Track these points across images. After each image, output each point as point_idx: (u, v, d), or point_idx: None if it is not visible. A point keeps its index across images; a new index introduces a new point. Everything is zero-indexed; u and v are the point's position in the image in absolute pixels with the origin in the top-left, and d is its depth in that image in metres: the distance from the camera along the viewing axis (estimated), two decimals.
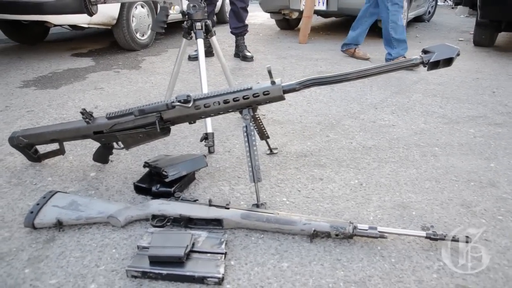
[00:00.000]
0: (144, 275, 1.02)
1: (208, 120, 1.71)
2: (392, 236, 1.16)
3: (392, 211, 1.31)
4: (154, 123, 1.36)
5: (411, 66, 1.26)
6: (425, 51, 1.25)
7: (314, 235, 1.15)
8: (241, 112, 1.33)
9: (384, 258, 1.09)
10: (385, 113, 2.17)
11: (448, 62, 1.22)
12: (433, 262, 1.07)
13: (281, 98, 1.31)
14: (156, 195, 1.37)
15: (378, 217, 1.28)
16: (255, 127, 1.55)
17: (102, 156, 1.59)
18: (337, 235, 1.15)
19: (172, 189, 1.35)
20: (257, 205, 1.31)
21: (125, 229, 1.21)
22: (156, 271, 1.01)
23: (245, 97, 1.31)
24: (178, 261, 1.03)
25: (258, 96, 1.30)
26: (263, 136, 1.62)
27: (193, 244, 1.10)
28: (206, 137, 1.74)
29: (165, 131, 1.42)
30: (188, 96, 1.33)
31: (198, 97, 1.34)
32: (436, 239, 1.12)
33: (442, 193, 1.40)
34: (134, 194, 1.41)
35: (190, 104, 1.32)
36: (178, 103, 1.33)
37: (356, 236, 1.14)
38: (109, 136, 1.46)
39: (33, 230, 1.19)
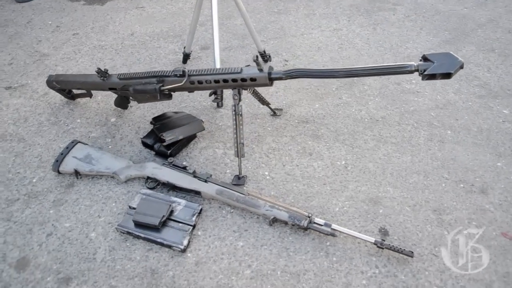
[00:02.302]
0: (129, 233, 1.30)
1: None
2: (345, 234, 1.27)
3: (361, 205, 1.37)
4: (157, 89, 1.49)
5: (405, 73, 1.15)
6: (425, 58, 1.12)
7: (274, 221, 1.31)
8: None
9: (328, 255, 1.23)
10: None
11: (447, 75, 1.09)
12: (369, 268, 1.19)
13: (267, 85, 1.32)
14: (157, 153, 1.58)
15: (344, 209, 1.36)
16: (255, 96, 1.59)
17: (121, 103, 1.78)
18: (293, 225, 1.29)
19: (169, 151, 1.54)
20: (238, 177, 1.47)
21: (126, 184, 1.47)
22: (137, 233, 1.28)
23: (233, 79, 1.34)
24: (154, 227, 1.28)
25: (245, 81, 1.32)
26: (264, 102, 1.65)
27: (172, 211, 1.33)
28: (215, 91, 1.81)
29: (167, 96, 1.53)
30: (183, 71, 1.40)
31: (192, 73, 1.40)
32: (382, 248, 1.21)
33: (423, 193, 1.40)
34: (142, 146, 1.63)
35: (184, 79, 1.40)
36: (174, 77, 1.42)
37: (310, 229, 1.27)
38: (122, 91, 1.63)
39: (58, 174, 1.51)
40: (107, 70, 1.59)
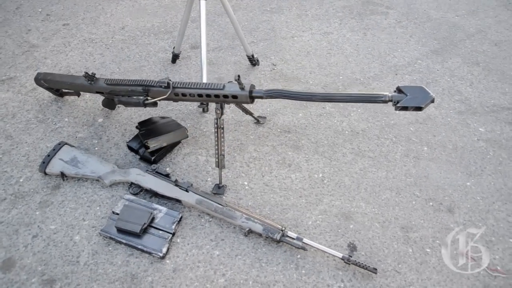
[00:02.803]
0: (111, 239, 1.36)
1: (204, 79, 1.79)
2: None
3: (333, 219, 1.44)
4: (142, 97, 1.52)
5: (379, 102, 1.20)
6: (399, 90, 1.17)
7: (249, 232, 1.38)
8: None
9: (297, 267, 1.31)
10: (401, 84, 2.01)
11: (418, 108, 1.15)
12: (335, 282, 1.27)
13: (248, 102, 1.36)
14: (141, 158, 1.63)
15: (317, 222, 1.43)
16: (238, 107, 1.63)
17: (109, 104, 1.80)
18: (267, 237, 1.36)
19: (153, 158, 1.59)
20: (218, 187, 1.53)
21: (111, 188, 1.52)
22: (119, 239, 1.34)
23: (216, 95, 1.38)
24: (136, 234, 1.35)
25: (227, 97, 1.36)
26: (247, 112, 1.69)
27: (153, 219, 1.39)
28: None
29: (152, 104, 1.57)
30: (168, 83, 1.43)
31: (177, 85, 1.44)
32: (349, 263, 1.29)
33: (393, 210, 1.48)
34: (127, 150, 1.67)
35: (169, 91, 1.43)
36: (159, 88, 1.45)
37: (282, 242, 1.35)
38: (109, 95, 1.66)
39: (45, 175, 1.56)
40: (94, 74, 1.61)
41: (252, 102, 1.37)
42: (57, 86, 1.78)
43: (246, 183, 1.56)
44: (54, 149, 1.58)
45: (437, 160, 1.66)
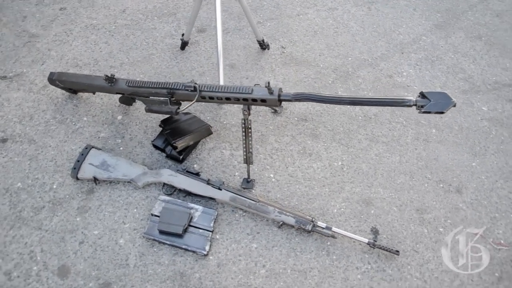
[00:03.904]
0: (155, 240, 1.47)
1: (221, 73, 1.80)
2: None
3: (356, 206, 1.58)
4: (167, 99, 1.55)
5: (404, 106, 1.27)
6: (422, 95, 1.25)
7: (282, 225, 1.50)
8: None
9: (329, 254, 1.46)
10: (408, 63, 2.08)
11: (440, 113, 1.23)
12: (363, 264, 1.44)
13: (276, 105, 1.41)
14: (168, 156, 1.69)
15: (341, 210, 1.57)
16: None
17: (126, 100, 1.81)
18: (299, 228, 1.49)
19: (181, 156, 1.65)
20: (247, 181, 1.62)
21: (144, 189, 1.60)
22: (162, 240, 1.45)
23: (244, 99, 1.42)
24: (178, 235, 1.45)
25: (256, 101, 1.41)
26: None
27: (191, 218, 1.50)
28: None
29: (176, 105, 1.60)
30: (195, 86, 1.46)
31: (204, 89, 1.46)
32: (374, 247, 1.44)
33: (408, 193, 1.62)
34: (152, 148, 1.72)
35: (196, 94, 1.46)
36: (185, 91, 1.48)
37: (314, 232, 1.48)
38: (130, 96, 1.67)
39: (77, 180, 1.60)
40: (114, 75, 1.61)
41: (280, 104, 1.42)
42: (74, 87, 1.77)
43: (272, 175, 1.66)
44: (82, 154, 1.62)
45: (445, 142, 1.78)
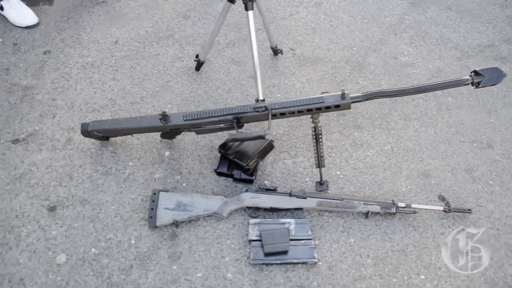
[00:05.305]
0: (263, 264, 1.47)
1: (260, 87, 1.81)
2: None
3: (418, 180, 1.74)
4: (231, 124, 1.53)
5: (461, 85, 1.45)
6: (476, 73, 1.43)
7: (368, 214, 1.61)
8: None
9: (415, 228, 1.60)
10: (404, 43, 2.29)
11: (494, 84, 1.43)
12: (445, 229, 1.61)
13: (348, 108, 1.49)
14: (236, 180, 1.67)
15: (408, 187, 1.72)
16: None
17: (169, 135, 1.74)
18: (384, 213, 1.61)
19: (253, 177, 1.65)
20: (321, 183, 1.68)
21: (227, 218, 1.57)
22: (271, 262, 1.46)
23: (318, 108, 1.47)
24: (284, 252, 1.48)
25: (329, 108, 1.47)
26: None
27: (289, 232, 1.52)
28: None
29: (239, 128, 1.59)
30: (265, 106, 1.47)
31: (274, 107, 1.48)
32: (449, 212, 1.62)
33: (453, 158, 1.83)
34: (216, 176, 1.68)
35: (268, 114, 1.48)
36: (257, 112, 1.48)
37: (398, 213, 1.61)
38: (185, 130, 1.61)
39: (155, 228, 1.52)
40: (166, 112, 1.54)
41: (350, 107, 1.50)
42: (116, 134, 1.64)
43: (338, 172, 1.74)
44: (153, 200, 1.54)
45: (463, 107, 2.03)
